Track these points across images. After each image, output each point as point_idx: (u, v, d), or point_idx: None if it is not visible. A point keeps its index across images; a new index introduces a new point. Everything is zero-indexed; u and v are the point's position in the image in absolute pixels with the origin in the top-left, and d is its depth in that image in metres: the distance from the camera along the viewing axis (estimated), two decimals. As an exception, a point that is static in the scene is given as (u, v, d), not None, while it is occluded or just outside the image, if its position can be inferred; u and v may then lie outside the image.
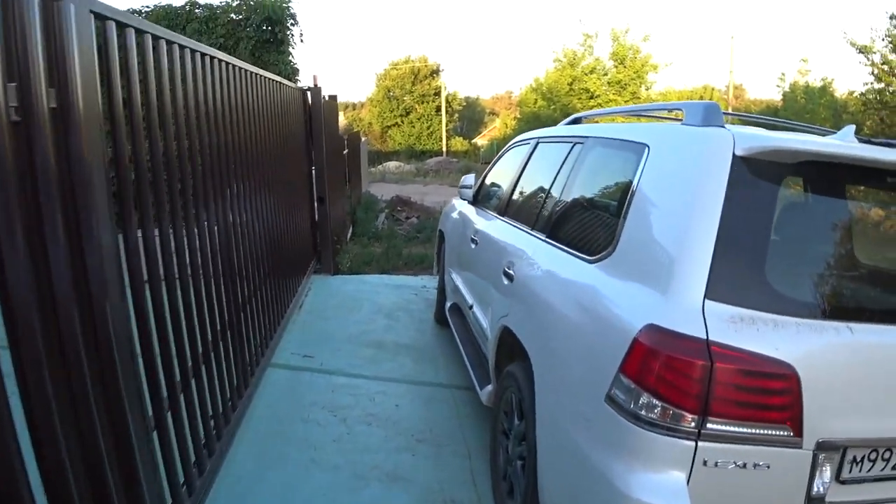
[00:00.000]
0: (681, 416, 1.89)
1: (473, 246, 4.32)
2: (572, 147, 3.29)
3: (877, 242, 2.48)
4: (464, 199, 5.15)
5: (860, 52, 13.20)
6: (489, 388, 3.62)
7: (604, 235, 2.54)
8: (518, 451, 2.90)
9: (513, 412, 3.05)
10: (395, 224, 12.92)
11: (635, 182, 2.42)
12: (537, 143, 3.99)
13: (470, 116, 53.73)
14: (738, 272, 2.01)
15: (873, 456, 1.98)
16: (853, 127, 2.49)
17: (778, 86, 21.43)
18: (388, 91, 46.16)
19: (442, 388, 4.56)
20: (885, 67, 13.18)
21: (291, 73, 9.45)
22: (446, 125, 45.88)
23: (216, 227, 3.41)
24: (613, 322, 2.16)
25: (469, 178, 5.08)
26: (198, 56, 3.14)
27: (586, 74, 26.63)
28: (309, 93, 6.87)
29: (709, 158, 2.13)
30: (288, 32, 9.51)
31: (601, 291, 2.33)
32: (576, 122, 3.88)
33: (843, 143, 2.23)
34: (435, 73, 46.16)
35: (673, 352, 1.91)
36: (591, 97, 26.41)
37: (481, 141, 49.90)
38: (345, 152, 11.64)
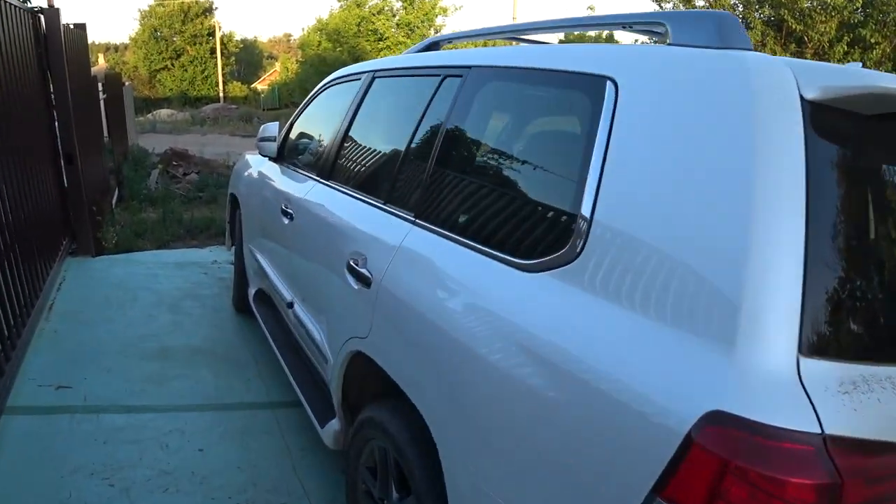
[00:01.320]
0: None
1: (287, 220, 3.18)
2: (441, 82, 2.26)
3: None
4: (265, 156, 3.95)
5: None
6: (334, 425, 2.57)
7: (542, 226, 1.57)
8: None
9: (387, 478, 2.05)
10: (171, 182, 11.12)
11: (598, 144, 1.46)
12: (373, 78, 2.90)
13: (248, 60, 50.31)
14: (839, 301, 1.14)
15: None
16: (858, 64, 1.76)
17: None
18: (155, 31, 41.67)
19: (260, 410, 3.43)
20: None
21: None
22: (223, 69, 42.52)
23: None
24: (618, 396, 1.20)
25: (271, 128, 3.85)
26: None
27: (374, 15, 25.41)
28: (42, 17, 5.14)
29: (762, 104, 1.22)
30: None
31: (579, 330, 1.35)
32: (433, 47, 2.84)
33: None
34: (208, 11, 42.32)
35: (768, 467, 1.01)
36: (380, 39, 25.32)
37: (261, 86, 47.04)
38: (102, 98, 9.62)
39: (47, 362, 3.75)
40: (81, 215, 5.68)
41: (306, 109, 3.77)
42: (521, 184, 1.78)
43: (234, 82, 45.44)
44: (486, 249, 1.70)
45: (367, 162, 2.71)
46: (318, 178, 3.05)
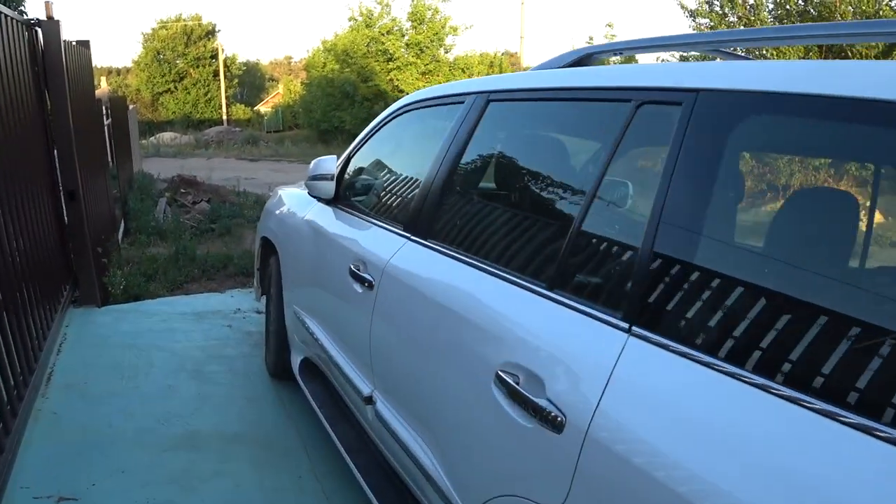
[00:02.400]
0: None
1: (360, 288, 2.41)
2: (636, 110, 1.49)
3: None
4: (316, 196, 3.18)
5: (691, 15, 12.65)
6: None
7: None
8: None
9: None
10: (180, 212, 10.38)
11: None
12: (487, 102, 2.14)
13: (251, 82, 49.89)
14: None
15: None
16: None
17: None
18: (158, 53, 41.21)
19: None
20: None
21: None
22: (226, 91, 41.98)
23: None
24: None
25: (327, 164, 3.08)
26: None
27: (383, 35, 24.79)
28: (40, 30, 4.41)
29: None
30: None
31: None
32: (583, 61, 2.06)
33: None
34: (210, 33, 41.92)
35: None
36: (390, 59, 24.69)
37: (264, 108, 46.47)
38: (107, 123, 8.90)
39: (45, 459, 2.95)
40: (85, 259, 4.91)
41: (372, 140, 3.02)
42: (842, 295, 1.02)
43: (238, 105, 44.96)
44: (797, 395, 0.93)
45: (504, 221, 1.93)
46: (408, 235, 2.28)
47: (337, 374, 2.75)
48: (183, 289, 6.11)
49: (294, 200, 3.61)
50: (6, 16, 3.83)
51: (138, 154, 15.06)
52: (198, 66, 41.23)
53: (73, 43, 5.48)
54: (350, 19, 25.63)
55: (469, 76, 26.31)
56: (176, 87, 41.51)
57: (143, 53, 41.87)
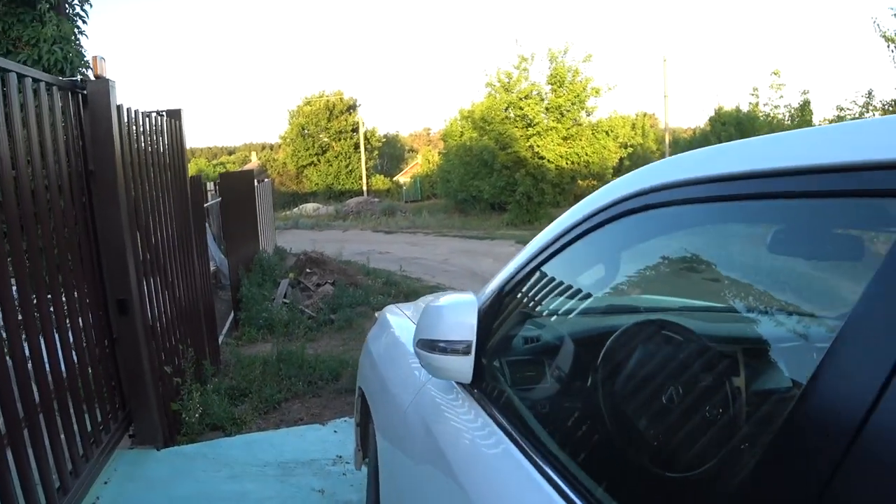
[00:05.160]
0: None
1: None
2: None
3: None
4: (445, 378, 1.68)
5: (891, 43, 10.51)
6: None
7: None
8: None
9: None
10: (302, 296, 9.35)
11: None
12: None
13: (390, 153, 50.53)
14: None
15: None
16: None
17: (752, 100, 19.84)
18: (303, 129, 42.66)
19: None
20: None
21: (69, 61, 5.52)
22: (366, 163, 42.56)
23: None
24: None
25: (455, 311, 1.58)
26: None
27: (522, 99, 23.69)
28: (81, 95, 3.31)
29: None
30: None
31: None
32: None
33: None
34: (351, 108, 42.96)
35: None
36: (529, 124, 23.48)
37: (403, 178, 46.78)
38: (206, 206, 8.01)
39: None
40: (141, 386, 3.70)
41: (556, 260, 1.50)
42: None
43: (377, 175, 45.50)
44: None
45: None
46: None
47: None
48: (279, 410, 4.83)
49: (399, 352, 2.16)
50: (35, 79, 2.75)
51: (270, 229, 14.46)
52: (339, 140, 42.17)
53: (157, 115, 4.45)
54: (487, 85, 24.76)
55: (614, 140, 24.59)
56: (319, 160, 42.58)
57: (289, 129, 43.45)
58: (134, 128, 3.84)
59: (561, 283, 1.56)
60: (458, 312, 1.53)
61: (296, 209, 35.34)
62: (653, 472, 1.06)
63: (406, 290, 9.77)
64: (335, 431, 4.21)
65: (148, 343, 3.71)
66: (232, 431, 4.25)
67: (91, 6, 5.82)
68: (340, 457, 3.79)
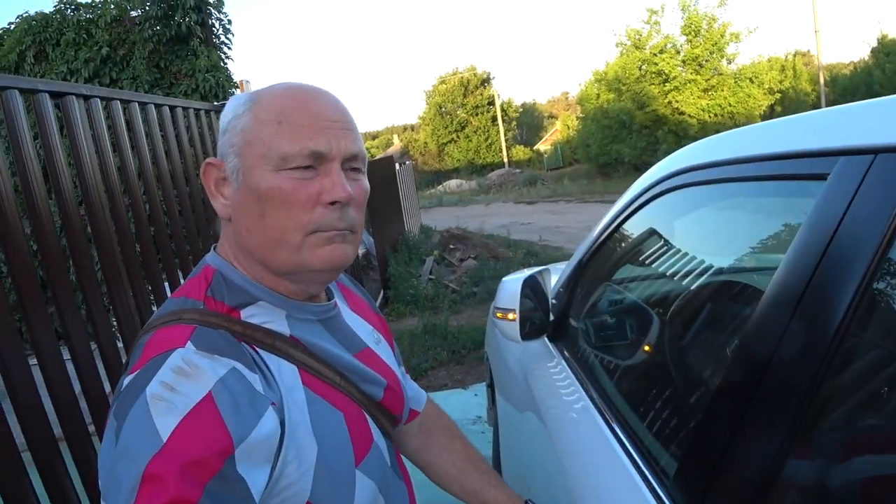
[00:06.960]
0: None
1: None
2: None
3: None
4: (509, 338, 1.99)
5: None
6: None
7: None
8: None
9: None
10: (446, 271, 9.86)
11: None
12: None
13: (529, 123, 50.43)
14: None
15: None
16: None
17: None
18: (440, 107, 43.56)
19: None
20: None
21: (221, 86, 6.25)
22: (505, 134, 42.81)
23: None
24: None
25: (508, 287, 1.91)
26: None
27: (656, 55, 22.98)
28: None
29: None
30: (213, 21, 6.45)
31: None
32: None
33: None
34: (486, 82, 43.28)
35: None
36: (666, 80, 22.77)
37: (543, 147, 46.62)
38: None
39: None
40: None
41: (612, 239, 1.77)
42: None
43: (518, 146, 45.63)
44: None
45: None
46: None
47: None
48: (426, 377, 5.31)
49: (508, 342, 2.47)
50: (195, 109, 3.30)
51: (415, 209, 15.13)
52: (477, 114, 42.65)
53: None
54: (618, 45, 24.21)
55: (758, 87, 23.27)
56: (458, 137, 43.34)
57: (427, 109, 44.51)
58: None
59: (628, 252, 1.82)
60: (511, 286, 1.84)
61: (439, 187, 36.30)
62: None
63: (546, 260, 9.99)
64: (475, 395, 4.62)
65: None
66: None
67: (234, 35, 6.55)
68: (480, 417, 4.18)
